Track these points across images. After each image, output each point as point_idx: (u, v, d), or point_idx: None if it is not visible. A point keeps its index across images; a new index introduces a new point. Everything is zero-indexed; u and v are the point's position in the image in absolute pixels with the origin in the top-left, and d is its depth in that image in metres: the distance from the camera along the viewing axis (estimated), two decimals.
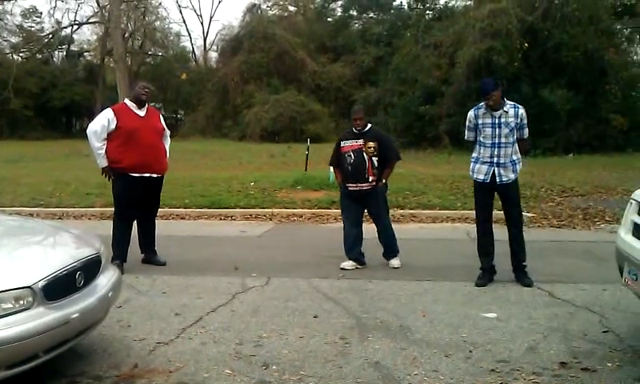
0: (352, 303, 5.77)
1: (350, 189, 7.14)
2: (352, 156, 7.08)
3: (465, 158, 20.94)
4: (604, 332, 4.92)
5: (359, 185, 7.08)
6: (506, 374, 4.11)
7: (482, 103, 6.43)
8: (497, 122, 6.30)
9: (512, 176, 6.38)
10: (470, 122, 6.51)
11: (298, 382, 3.99)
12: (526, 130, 6.45)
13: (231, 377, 4.06)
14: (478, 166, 6.47)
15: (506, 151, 6.32)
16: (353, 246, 7.21)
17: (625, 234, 4.74)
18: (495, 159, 6.33)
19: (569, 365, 4.24)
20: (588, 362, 4.28)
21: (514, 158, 6.39)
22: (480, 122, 6.39)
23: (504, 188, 6.41)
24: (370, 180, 7.07)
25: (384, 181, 7.24)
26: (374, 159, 7.08)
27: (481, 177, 6.42)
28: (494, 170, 6.35)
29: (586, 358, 4.37)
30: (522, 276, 6.45)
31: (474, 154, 6.54)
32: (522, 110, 6.39)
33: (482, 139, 6.41)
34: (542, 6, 25.12)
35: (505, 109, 6.31)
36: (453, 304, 5.73)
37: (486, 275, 6.50)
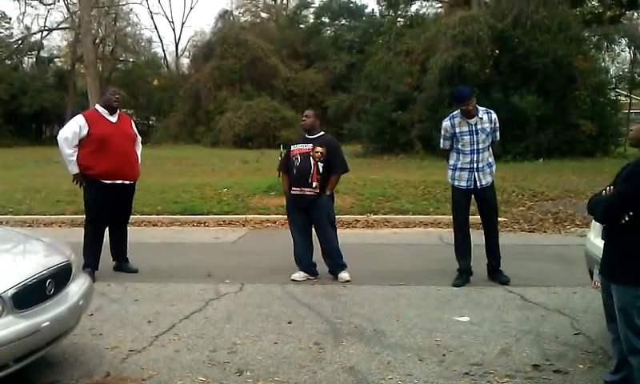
0: (326, 309, 5.77)
1: (293, 193, 6.97)
2: (299, 159, 6.95)
3: (437, 164, 21.18)
4: (575, 334, 4.99)
5: (303, 189, 6.88)
6: (480, 377, 4.14)
7: (456, 112, 6.54)
8: (474, 128, 6.44)
9: (490, 179, 6.56)
10: (446, 131, 6.61)
11: None
12: (498, 133, 6.70)
13: None
14: (457, 173, 6.58)
15: (482, 156, 6.49)
16: (303, 256, 7.04)
17: (594, 238, 4.81)
18: (475, 165, 6.48)
19: (541, 367, 4.29)
20: (560, 364, 4.33)
21: (490, 160, 6.59)
22: (457, 130, 6.51)
23: (483, 192, 6.53)
24: (314, 186, 6.85)
25: (328, 192, 6.99)
26: (320, 165, 6.88)
27: (463, 184, 6.56)
28: (474, 176, 6.47)
29: (558, 360, 4.43)
30: (498, 275, 6.60)
31: (452, 161, 6.65)
32: (494, 115, 6.60)
33: (460, 147, 6.52)
34: (512, 13, 25.43)
35: (479, 115, 6.43)
36: (426, 308, 5.76)
37: (463, 276, 6.60)
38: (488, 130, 6.46)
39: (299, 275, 6.97)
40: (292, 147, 7.17)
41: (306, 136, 7.10)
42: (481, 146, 6.45)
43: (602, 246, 3.81)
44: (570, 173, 18.00)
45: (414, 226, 10.69)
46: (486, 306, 5.81)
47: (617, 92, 32.04)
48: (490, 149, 6.60)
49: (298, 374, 4.20)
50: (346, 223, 10.56)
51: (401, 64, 27.86)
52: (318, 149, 6.93)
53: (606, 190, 3.65)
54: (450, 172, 6.69)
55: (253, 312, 5.66)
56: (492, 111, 6.61)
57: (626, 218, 3.45)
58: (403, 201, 12.33)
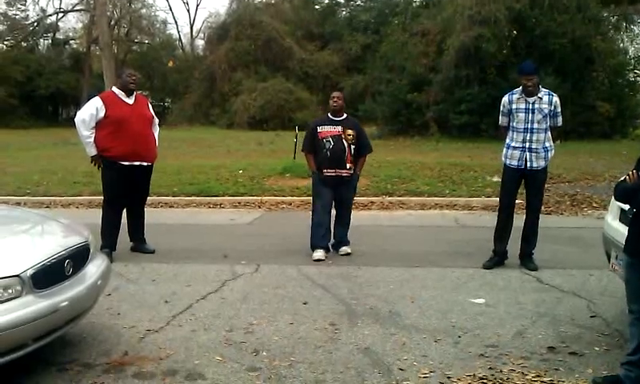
0: (341, 290, 5.79)
1: (327, 175, 7.07)
2: (331, 142, 7.04)
3: (453, 146, 21.15)
4: (591, 317, 4.98)
5: (338, 171, 7.04)
6: (495, 358, 4.15)
7: (517, 89, 6.47)
8: (530, 107, 6.34)
9: (542, 163, 6.43)
10: (504, 106, 6.55)
11: (288, 368, 4.00)
12: (560, 118, 6.51)
13: (222, 363, 4.07)
14: (510, 151, 6.49)
15: (538, 137, 6.35)
16: (325, 235, 7.16)
17: (612, 220, 4.79)
18: (527, 144, 6.37)
19: (557, 349, 4.29)
20: (576, 347, 4.33)
21: (547, 144, 6.43)
22: (514, 106, 6.43)
23: (533, 174, 6.44)
24: (349, 167, 7.07)
25: (359, 172, 7.30)
26: (352, 147, 7.09)
27: (514, 163, 6.45)
28: (526, 156, 6.37)
29: (574, 342, 4.42)
30: (528, 262, 6.53)
31: (507, 140, 6.57)
32: (556, 98, 6.45)
33: (514, 125, 6.44)
34: None
35: (539, 95, 6.35)
36: (441, 290, 5.77)
37: (497, 259, 6.56)
38: (545, 111, 6.32)
39: (321, 254, 7.02)
40: (318, 129, 7.18)
41: (332, 117, 7.15)
42: (535, 126, 6.32)
43: (628, 227, 3.78)
44: (587, 155, 17.86)
45: (430, 208, 10.67)
46: (501, 288, 5.80)
47: (635, 73, 31.58)
48: (549, 133, 6.43)
49: (313, 354, 4.22)
50: (361, 205, 10.56)
51: (416, 45, 27.67)
52: (350, 131, 7.08)
53: (629, 175, 3.64)
54: (504, 150, 6.60)
55: (269, 293, 5.69)
56: (554, 94, 6.47)
57: None
58: (418, 183, 12.31)
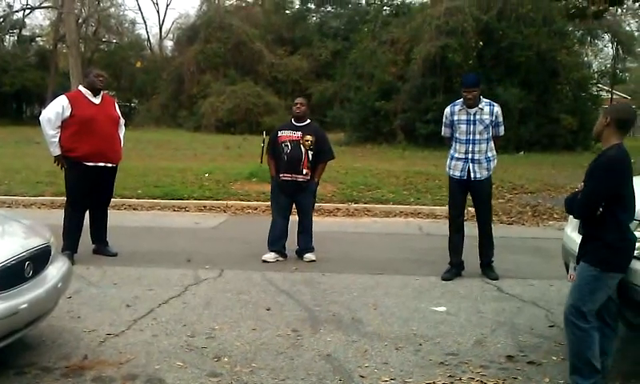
0: (305, 296, 5.80)
1: (283, 179, 7.14)
2: (289, 146, 7.12)
3: (419, 154, 21.33)
4: (550, 326, 5.07)
5: (294, 175, 7.10)
6: (455, 366, 4.20)
7: (459, 100, 6.54)
8: (472, 118, 6.41)
9: (485, 173, 6.49)
10: (446, 117, 6.62)
11: (249, 374, 4.00)
12: (502, 128, 6.60)
13: (182, 369, 4.06)
14: (453, 162, 6.56)
15: (480, 147, 6.42)
16: (279, 239, 7.26)
17: (571, 232, 4.88)
18: (470, 155, 6.43)
19: (515, 358, 4.36)
20: (534, 356, 4.40)
21: (489, 154, 6.51)
22: (455, 118, 6.50)
23: (477, 184, 6.50)
24: (305, 173, 7.12)
25: (317, 179, 7.33)
26: (310, 153, 7.13)
27: (457, 173, 6.51)
28: (468, 167, 6.44)
29: (532, 351, 4.50)
30: (489, 271, 6.59)
31: (451, 151, 6.64)
32: (497, 108, 6.53)
33: (457, 135, 6.51)
34: (497, 5, 25.50)
35: (480, 106, 6.42)
36: (404, 297, 5.81)
37: (453, 270, 6.59)
38: (487, 121, 6.40)
39: (270, 256, 7.15)
40: (279, 133, 7.27)
41: (294, 123, 7.23)
42: (477, 137, 6.40)
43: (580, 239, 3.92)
44: (549, 166, 18.17)
45: (395, 216, 10.74)
46: (462, 297, 5.87)
47: (599, 87, 32.26)
48: (492, 143, 6.51)
49: (275, 361, 4.23)
50: (326, 211, 10.60)
51: (385, 53, 27.86)
52: (308, 137, 7.12)
53: (579, 186, 3.78)
54: (447, 160, 6.67)
55: (232, 298, 5.68)
56: (496, 104, 6.55)
57: (600, 210, 3.66)
58: (384, 190, 12.39)
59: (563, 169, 17.51)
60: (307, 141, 7.11)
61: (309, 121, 7.35)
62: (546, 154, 22.28)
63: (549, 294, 6.00)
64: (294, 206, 7.37)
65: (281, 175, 7.17)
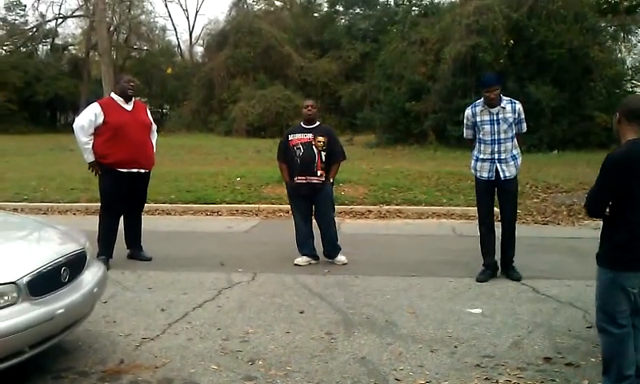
0: (338, 299, 5.79)
1: (298, 182, 7.12)
2: (301, 149, 7.10)
3: (450, 155, 21.16)
4: (587, 327, 4.97)
5: (308, 178, 7.07)
6: (491, 369, 4.15)
7: (479, 100, 6.49)
8: (495, 118, 6.35)
9: (514, 171, 6.44)
10: (467, 119, 6.57)
11: (284, 378, 4.00)
12: (524, 125, 6.54)
13: (217, 372, 4.07)
14: (480, 163, 6.50)
15: (505, 146, 6.36)
16: (306, 240, 7.25)
17: None
18: (496, 155, 6.38)
19: (553, 360, 4.30)
20: (572, 357, 4.33)
21: (514, 152, 6.45)
22: (478, 119, 6.44)
23: (505, 184, 6.43)
24: (319, 174, 7.08)
25: (331, 180, 7.27)
26: (323, 154, 7.10)
27: (485, 174, 6.46)
28: (496, 167, 6.38)
29: (570, 353, 4.43)
30: (510, 271, 6.51)
31: (475, 152, 6.59)
32: (518, 105, 6.46)
33: (481, 136, 6.45)
34: (527, 3, 25.16)
35: (502, 105, 6.35)
36: (438, 299, 5.77)
37: (488, 272, 6.51)
38: (510, 120, 6.33)
39: (302, 260, 7.17)
40: (289, 137, 7.27)
41: (303, 126, 7.25)
42: (502, 137, 6.34)
43: None
44: (584, 165, 17.84)
45: (427, 217, 10.67)
46: (498, 298, 5.80)
47: (633, 83, 31.63)
48: (515, 140, 6.45)
49: (309, 364, 4.22)
50: (358, 214, 10.57)
51: (415, 53, 27.69)
52: (320, 138, 7.11)
53: None
54: (472, 162, 6.62)
55: (265, 301, 5.69)
56: (517, 101, 6.47)
57: (608, 210, 3.64)
58: (416, 192, 12.31)
59: (598, 167, 17.05)
60: (320, 142, 7.09)
61: (318, 122, 7.36)
62: (581, 153, 21.91)
63: (585, 294, 5.87)
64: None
65: (295, 179, 7.15)
